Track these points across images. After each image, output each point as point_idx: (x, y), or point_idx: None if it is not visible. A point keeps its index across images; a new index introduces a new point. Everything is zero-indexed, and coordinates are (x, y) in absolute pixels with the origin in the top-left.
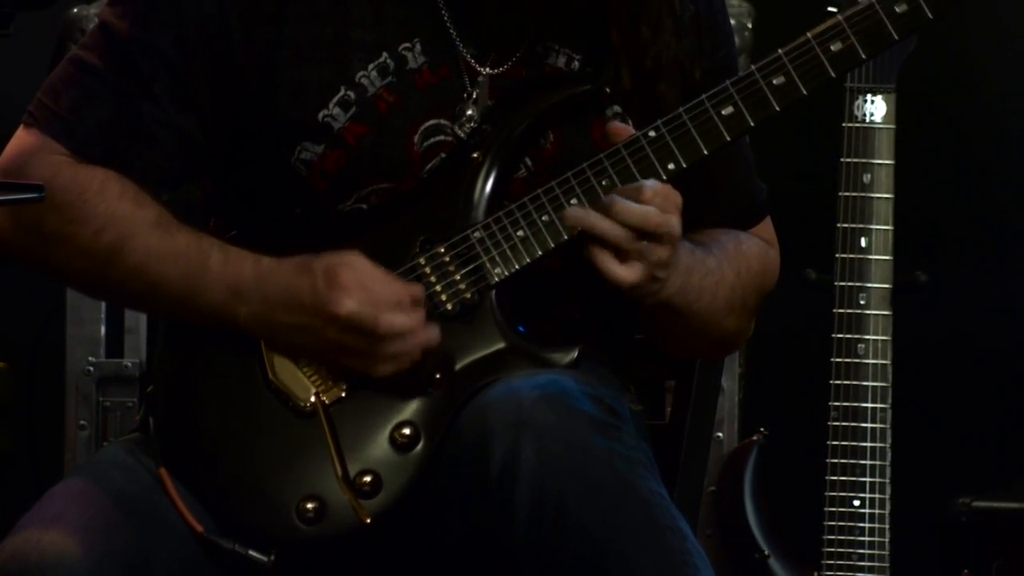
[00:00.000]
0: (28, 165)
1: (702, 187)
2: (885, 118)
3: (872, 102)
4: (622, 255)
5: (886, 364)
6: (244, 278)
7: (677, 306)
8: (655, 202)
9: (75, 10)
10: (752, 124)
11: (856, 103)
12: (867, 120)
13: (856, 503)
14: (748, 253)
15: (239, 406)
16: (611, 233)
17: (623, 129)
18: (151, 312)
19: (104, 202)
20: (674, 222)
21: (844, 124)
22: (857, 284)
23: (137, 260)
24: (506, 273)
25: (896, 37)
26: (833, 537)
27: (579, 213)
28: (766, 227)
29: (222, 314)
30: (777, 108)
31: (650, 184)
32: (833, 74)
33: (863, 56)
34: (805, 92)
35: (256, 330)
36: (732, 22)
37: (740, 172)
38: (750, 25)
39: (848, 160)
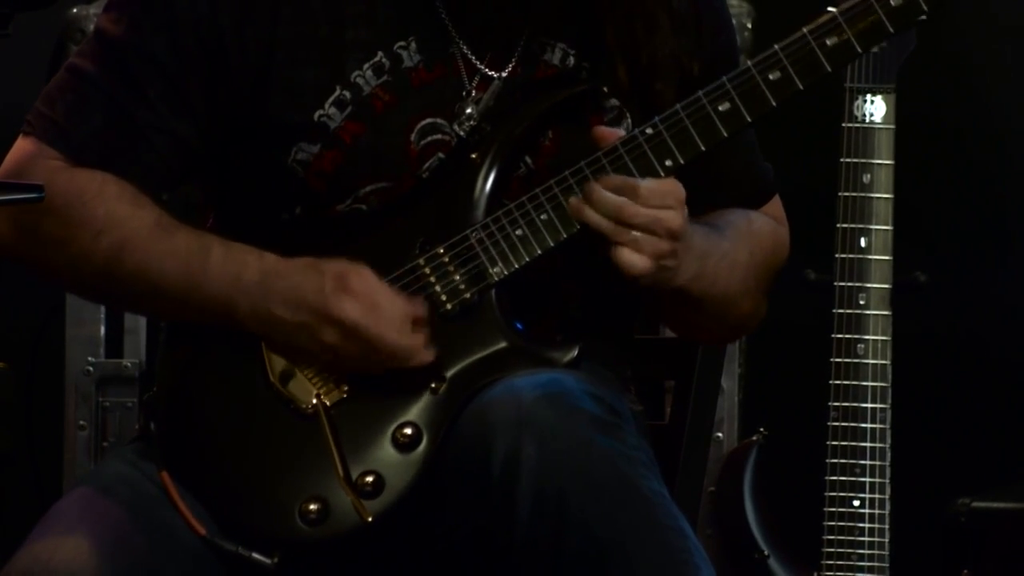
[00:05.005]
0: (25, 172)
1: (708, 170)
2: (885, 118)
3: (872, 102)
4: (628, 244)
5: (886, 364)
6: (247, 272)
7: (694, 292)
8: (645, 198)
9: (75, 10)
10: (749, 120)
11: (856, 103)
12: (867, 120)
13: (856, 503)
14: (760, 233)
15: (241, 409)
16: (595, 222)
17: (609, 133)
18: (152, 313)
19: (103, 204)
20: (665, 216)
21: (844, 124)
22: (857, 284)
23: (137, 261)
24: (505, 273)
25: (892, 31)
26: (833, 537)
27: (574, 203)
28: (775, 205)
29: (222, 308)
30: (774, 103)
31: (642, 181)
32: (829, 69)
33: (859, 50)
34: (801, 87)
35: (254, 326)
36: (732, 21)
37: (744, 155)
38: (750, 25)
39: (848, 160)
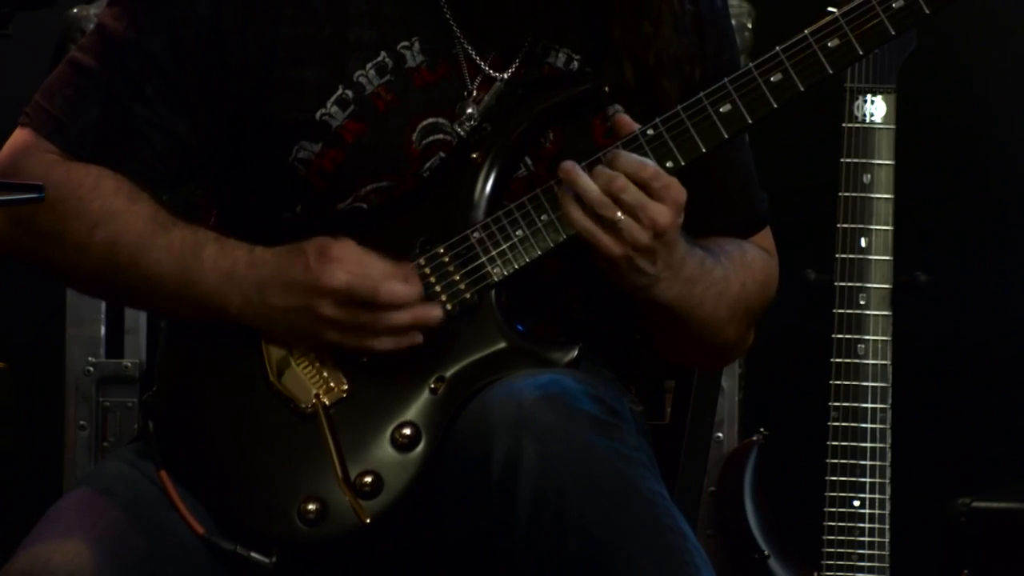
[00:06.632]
0: (21, 163)
1: (702, 194)
2: (885, 118)
3: (872, 102)
4: (605, 226)
5: (886, 364)
6: (237, 265)
7: (678, 311)
8: (651, 184)
9: (75, 10)
10: (750, 122)
11: (856, 103)
12: (867, 120)
13: (856, 503)
14: (753, 264)
15: (240, 408)
16: (584, 187)
17: (628, 122)
18: (148, 308)
19: (99, 198)
20: (653, 207)
21: (844, 124)
22: (857, 284)
23: (132, 255)
24: (505, 273)
25: (893, 32)
26: (833, 537)
27: (565, 165)
28: (766, 237)
29: (216, 304)
30: (775, 105)
31: (652, 165)
32: (831, 71)
33: (860, 52)
34: (803, 89)
35: (250, 318)
36: (732, 22)
37: (741, 180)
38: (750, 25)
39: (848, 160)
